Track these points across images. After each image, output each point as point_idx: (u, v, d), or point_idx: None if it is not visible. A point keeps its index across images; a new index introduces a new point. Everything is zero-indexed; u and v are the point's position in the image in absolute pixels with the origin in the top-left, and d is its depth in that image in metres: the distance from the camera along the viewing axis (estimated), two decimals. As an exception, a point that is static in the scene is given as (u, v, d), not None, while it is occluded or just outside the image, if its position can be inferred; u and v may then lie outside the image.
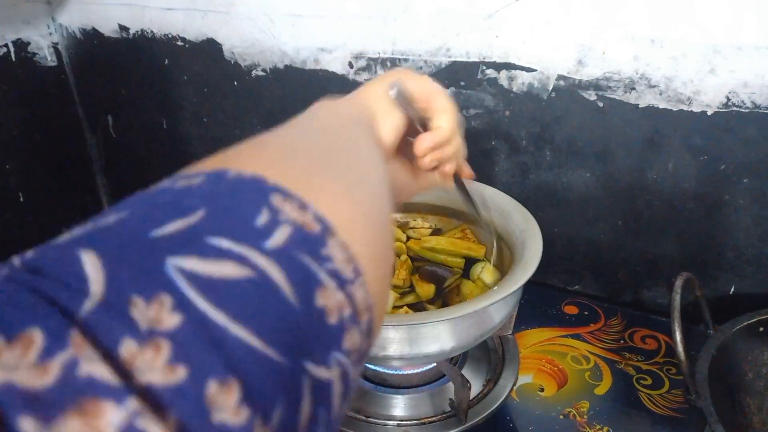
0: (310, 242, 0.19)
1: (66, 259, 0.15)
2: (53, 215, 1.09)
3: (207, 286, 0.16)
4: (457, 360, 0.66)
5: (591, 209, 0.75)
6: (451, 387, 0.61)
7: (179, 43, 0.91)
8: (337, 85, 0.82)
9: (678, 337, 0.50)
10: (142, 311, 0.14)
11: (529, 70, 0.70)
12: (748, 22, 0.58)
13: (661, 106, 0.66)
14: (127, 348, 0.14)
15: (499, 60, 0.71)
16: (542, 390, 0.63)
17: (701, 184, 0.67)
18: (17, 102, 0.99)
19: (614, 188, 0.72)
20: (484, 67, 0.73)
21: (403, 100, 0.36)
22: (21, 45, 0.97)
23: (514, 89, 0.72)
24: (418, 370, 0.63)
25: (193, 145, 1.01)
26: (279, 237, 0.18)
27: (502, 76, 0.72)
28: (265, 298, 0.17)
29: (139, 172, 1.11)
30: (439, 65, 0.75)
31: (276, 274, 0.17)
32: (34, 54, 1.00)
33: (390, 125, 0.36)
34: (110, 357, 0.14)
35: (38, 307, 0.14)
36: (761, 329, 0.59)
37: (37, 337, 0.13)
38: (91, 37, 0.99)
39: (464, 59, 0.73)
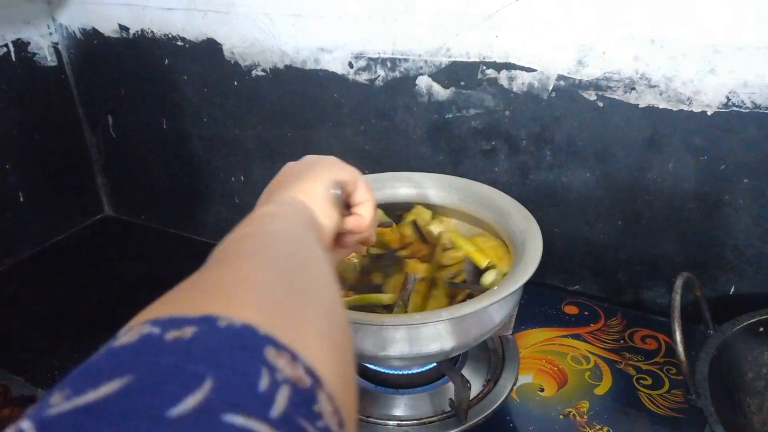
0: (305, 401, 0.20)
1: None
2: (53, 215, 1.09)
3: None
4: (457, 360, 0.66)
5: (591, 209, 0.75)
6: (451, 387, 0.61)
7: (179, 43, 0.91)
8: (337, 85, 0.82)
9: (678, 337, 0.50)
10: None
11: (529, 70, 0.70)
12: (748, 22, 0.58)
13: (661, 106, 0.66)
14: None
15: (499, 60, 0.71)
16: (542, 390, 0.63)
17: (701, 184, 0.67)
18: (17, 102, 0.99)
19: (614, 188, 0.72)
20: (484, 67, 0.73)
21: (339, 198, 0.42)
22: (21, 45, 0.97)
23: (514, 89, 0.72)
24: (418, 370, 0.63)
25: (193, 144, 1.01)
26: (281, 402, 0.19)
27: (502, 76, 0.72)
28: None
29: (139, 172, 1.11)
30: (439, 65, 0.75)
31: None
32: (34, 54, 1.00)
33: (331, 224, 0.41)
34: None
35: None
36: (761, 329, 0.59)
37: None
38: (92, 37, 0.99)
39: (464, 59, 0.73)
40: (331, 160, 0.46)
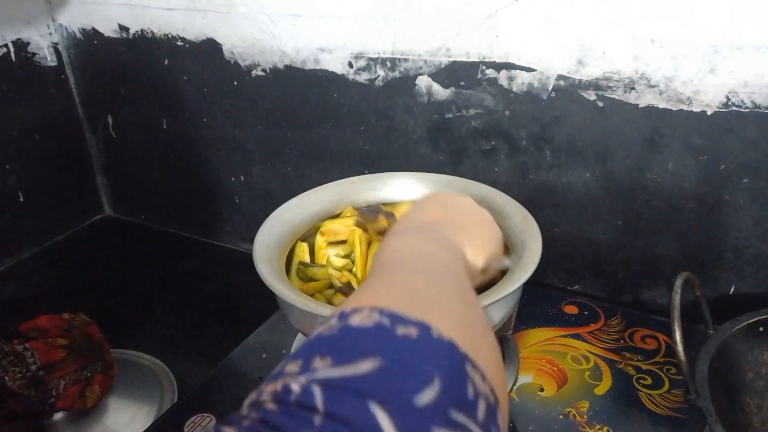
0: (493, 414, 0.24)
1: (364, 415, 0.20)
2: (53, 215, 1.09)
3: None
4: (457, 360, 0.66)
5: (591, 209, 0.75)
6: (451, 387, 0.61)
7: (179, 43, 0.91)
8: (337, 85, 0.82)
9: (678, 336, 0.50)
10: None
11: (529, 70, 0.70)
12: (748, 22, 0.58)
13: (660, 106, 0.66)
14: None
15: (499, 60, 0.71)
16: (542, 390, 0.63)
17: (701, 184, 0.67)
18: (17, 102, 0.99)
19: (614, 188, 0.72)
20: (484, 67, 0.73)
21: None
22: (21, 45, 0.97)
23: (514, 89, 0.72)
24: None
25: (193, 145, 1.01)
26: (482, 410, 0.23)
27: (502, 76, 0.72)
28: None
29: (139, 172, 1.11)
30: (439, 65, 0.75)
31: None
32: (34, 54, 1.00)
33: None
34: None
35: None
36: (761, 329, 0.59)
37: None
38: (91, 37, 0.99)
39: (464, 59, 0.73)
40: (496, 235, 0.47)
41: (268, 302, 0.60)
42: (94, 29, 0.98)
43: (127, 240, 1.13)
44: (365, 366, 0.22)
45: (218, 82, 0.92)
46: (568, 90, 0.69)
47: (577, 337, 0.70)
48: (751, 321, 0.58)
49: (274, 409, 0.21)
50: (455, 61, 0.74)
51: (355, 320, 0.25)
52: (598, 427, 0.58)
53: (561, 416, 0.60)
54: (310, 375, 0.22)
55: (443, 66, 0.75)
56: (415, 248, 0.36)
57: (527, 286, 0.53)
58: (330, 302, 0.59)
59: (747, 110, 0.62)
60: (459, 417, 0.22)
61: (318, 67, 0.83)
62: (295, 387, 0.21)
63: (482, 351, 0.27)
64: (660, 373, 0.65)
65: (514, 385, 0.63)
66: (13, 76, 0.97)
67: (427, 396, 0.21)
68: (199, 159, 1.02)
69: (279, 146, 0.92)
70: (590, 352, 0.68)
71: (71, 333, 0.68)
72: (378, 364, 0.22)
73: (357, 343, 0.23)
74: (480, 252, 0.42)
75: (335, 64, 0.81)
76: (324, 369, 0.22)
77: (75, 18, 0.99)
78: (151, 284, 0.97)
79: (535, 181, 0.77)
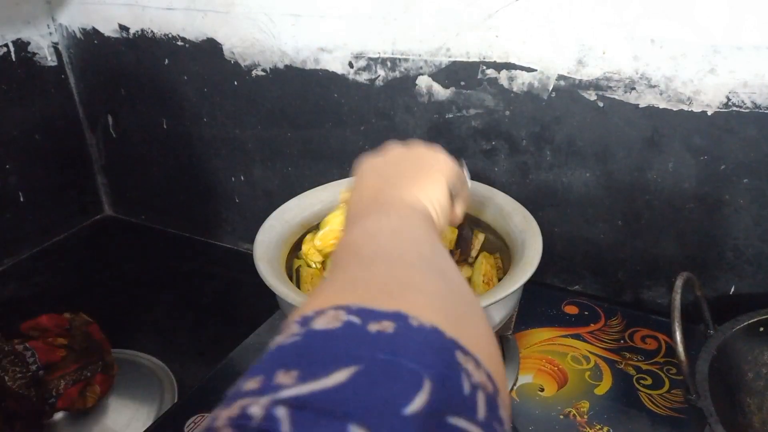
0: (493, 406, 0.21)
1: None
2: (53, 215, 1.09)
3: None
4: (457, 360, 0.66)
5: (591, 209, 0.75)
6: (451, 387, 0.61)
7: (179, 42, 0.91)
8: (337, 84, 0.82)
9: (678, 337, 0.50)
10: None
11: (529, 70, 0.70)
12: (747, 22, 0.58)
13: (661, 106, 0.66)
14: None
15: (499, 60, 0.71)
16: (542, 390, 0.63)
17: (701, 184, 0.67)
18: (17, 102, 0.99)
19: (614, 188, 0.72)
20: (485, 67, 0.73)
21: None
22: (21, 45, 0.97)
23: (515, 89, 0.72)
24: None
25: (193, 144, 1.01)
26: (482, 406, 0.21)
27: (503, 76, 0.72)
28: None
29: (139, 172, 1.11)
30: (439, 65, 0.75)
31: None
32: (34, 54, 1.00)
33: (444, 227, 0.42)
34: None
35: None
36: (761, 329, 0.59)
37: None
38: (91, 36, 0.99)
39: (464, 59, 0.73)
40: (443, 160, 0.45)
41: (268, 302, 0.60)
42: (94, 29, 0.98)
43: (127, 240, 1.13)
44: (338, 377, 0.19)
45: (218, 82, 0.92)
46: (569, 90, 0.69)
47: (577, 337, 0.70)
48: (751, 321, 0.58)
49: None
50: (455, 61, 0.74)
51: (320, 323, 0.22)
52: (598, 427, 0.58)
53: (561, 416, 0.60)
54: (273, 394, 0.19)
55: (443, 66, 0.75)
56: (368, 233, 0.33)
57: (527, 286, 0.53)
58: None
59: (747, 110, 0.62)
60: (458, 422, 0.19)
61: (318, 67, 0.83)
62: (256, 410, 0.18)
63: (470, 328, 0.24)
64: (660, 373, 0.65)
65: (514, 385, 0.63)
66: (13, 76, 0.97)
67: (417, 404, 0.19)
68: (199, 159, 1.02)
69: (279, 146, 0.92)
70: (590, 352, 0.68)
71: (71, 333, 0.68)
72: (353, 372, 0.19)
73: (325, 350, 0.20)
74: (438, 189, 0.41)
75: (335, 64, 0.81)
76: (289, 385, 0.19)
77: (75, 18, 0.99)
78: (151, 284, 0.97)
79: (535, 181, 0.77)
